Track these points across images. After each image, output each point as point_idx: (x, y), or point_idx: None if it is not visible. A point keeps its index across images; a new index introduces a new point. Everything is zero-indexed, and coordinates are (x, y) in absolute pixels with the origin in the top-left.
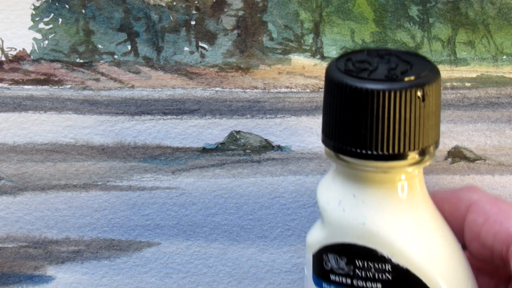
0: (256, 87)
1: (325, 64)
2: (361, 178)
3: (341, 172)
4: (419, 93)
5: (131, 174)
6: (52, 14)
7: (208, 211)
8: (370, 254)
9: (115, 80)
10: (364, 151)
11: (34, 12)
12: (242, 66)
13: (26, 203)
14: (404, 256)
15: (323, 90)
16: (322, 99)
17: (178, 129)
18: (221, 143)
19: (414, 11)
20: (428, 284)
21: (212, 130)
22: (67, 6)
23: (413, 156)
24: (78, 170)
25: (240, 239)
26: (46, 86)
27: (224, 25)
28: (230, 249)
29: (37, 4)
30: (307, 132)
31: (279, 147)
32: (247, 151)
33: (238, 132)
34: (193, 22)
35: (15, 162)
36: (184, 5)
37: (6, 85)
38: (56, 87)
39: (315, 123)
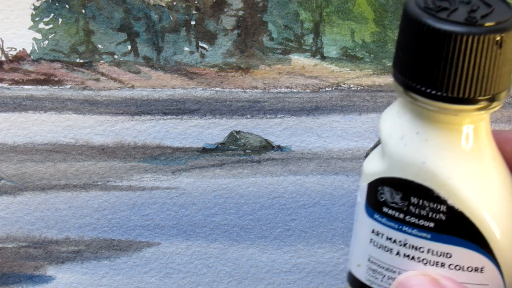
0: (256, 87)
1: (325, 64)
2: (427, 117)
3: (408, 108)
4: (497, 39)
5: (131, 174)
6: (52, 14)
7: (208, 211)
8: (426, 193)
9: (115, 80)
10: (434, 92)
11: (34, 12)
12: (242, 66)
13: (26, 203)
14: (461, 199)
15: (323, 90)
16: (322, 99)
17: (178, 129)
18: (221, 143)
19: None
20: (481, 229)
21: (212, 130)
22: (67, 6)
23: (482, 101)
24: (78, 170)
25: (240, 239)
26: (46, 86)
27: (224, 25)
28: (230, 249)
29: (37, 4)
30: (307, 132)
31: (279, 147)
32: (247, 151)
33: (238, 132)
34: (193, 22)
35: (15, 162)
36: (184, 5)
37: (6, 85)
38: (56, 87)
39: (315, 123)
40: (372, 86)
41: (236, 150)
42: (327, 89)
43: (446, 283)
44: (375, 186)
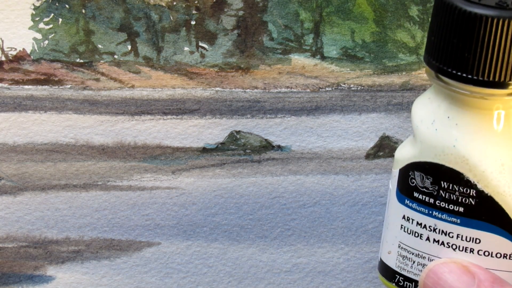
0: (256, 87)
1: (325, 64)
2: (458, 101)
3: (439, 92)
4: None
5: (131, 174)
6: (52, 14)
7: (208, 211)
8: (456, 177)
9: (115, 80)
10: (465, 75)
11: (34, 12)
12: (242, 66)
13: (26, 203)
14: (490, 184)
15: (323, 90)
16: (322, 99)
17: (178, 129)
18: (221, 143)
19: (414, 11)
20: (510, 214)
21: (212, 130)
22: (67, 6)
23: None
24: (78, 170)
25: (240, 239)
26: (46, 86)
27: (224, 25)
28: (230, 249)
29: (37, 4)
30: (307, 132)
31: (279, 147)
32: (247, 151)
33: (238, 132)
34: (193, 22)
35: (15, 162)
36: (184, 5)
37: (6, 85)
38: (56, 87)
39: (315, 123)
40: (372, 86)
41: (236, 150)
42: (327, 89)
43: (476, 270)
44: (406, 172)
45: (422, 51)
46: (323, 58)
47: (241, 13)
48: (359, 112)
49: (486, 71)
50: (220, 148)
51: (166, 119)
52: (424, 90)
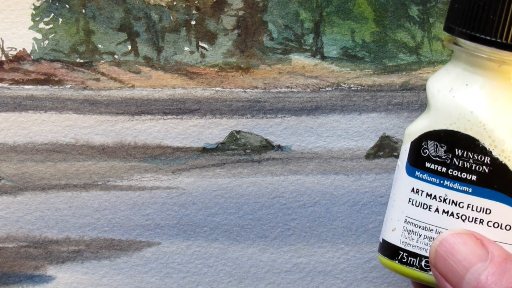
0: (256, 87)
1: (325, 64)
2: (478, 66)
3: (458, 61)
4: None
5: (131, 174)
6: (52, 14)
7: (208, 211)
8: (471, 144)
9: (115, 80)
10: (487, 37)
11: (34, 12)
12: (242, 66)
13: (26, 203)
14: (506, 150)
15: (323, 90)
16: (322, 99)
17: (178, 129)
18: (221, 143)
19: (414, 11)
20: None
21: (213, 130)
22: (67, 6)
23: None
24: (78, 170)
25: (240, 239)
26: (46, 86)
27: (225, 25)
28: (230, 249)
29: (37, 4)
30: (307, 132)
31: (279, 147)
32: (247, 151)
33: (238, 132)
34: (193, 22)
35: (15, 162)
36: (184, 5)
37: (6, 85)
38: (56, 87)
39: (315, 122)
40: (372, 85)
41: (236, 149)
42: (327, 89)
43: (490, 245)
44: (419, 143)
45: (422, 51)
46: (323, 58)
47: (241, 13)
48: (359, 112)
49: (506, 34)
50: (220, 148)
51: (166, 119)
52: (425, 90)
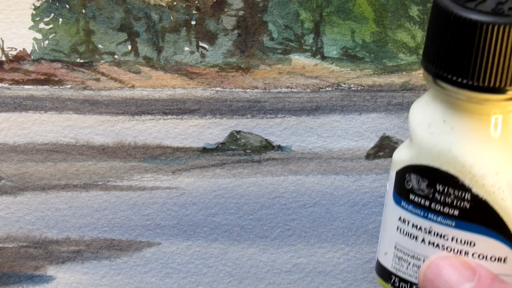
0: (256, 87)
1: (325, 64)
2: (454, 106)
3: (436, 97)
4: None
5: (131, 174)
6: (53, 14)
7: (208, 211)
8: (451, 181)
9: (115, 80)
10: (461, 80)
11: (34, 12)
12: (242, 66)
13: (26, 203)
14: (485, 188)
15: (323, 90)
16: (322, 99)
17: (179, 129)
18: (221, 143)
19: (414, 11)
20: (505, 219)
21: (213, 130)
22: (67, 6)
23: (510, 91)
24: (78, 170)
25: (240, 239)
26: (47, 86)
27: (225, 25)
28: (230, 249)
29: (38, 4)
30: (307, 132)
31: (280, 147)
32: (248, 151)
33: (238, 132)
34: (193, 22)
35: (15, 162)
36: (184, 5)
37: (6, 85)
38: (57, 87)
39: (316, 123)
40: (373, 86)
41: (236, 150)
42: (327, 89)
43: (477, 266)
44: (402, 174)
45: (422, 51)
46: (323, 58)
47: (241, 13)
48: (359, 112)
49: (483, 76)
50: (220, 148)
51: (167, 119)
52: (425, 90)
